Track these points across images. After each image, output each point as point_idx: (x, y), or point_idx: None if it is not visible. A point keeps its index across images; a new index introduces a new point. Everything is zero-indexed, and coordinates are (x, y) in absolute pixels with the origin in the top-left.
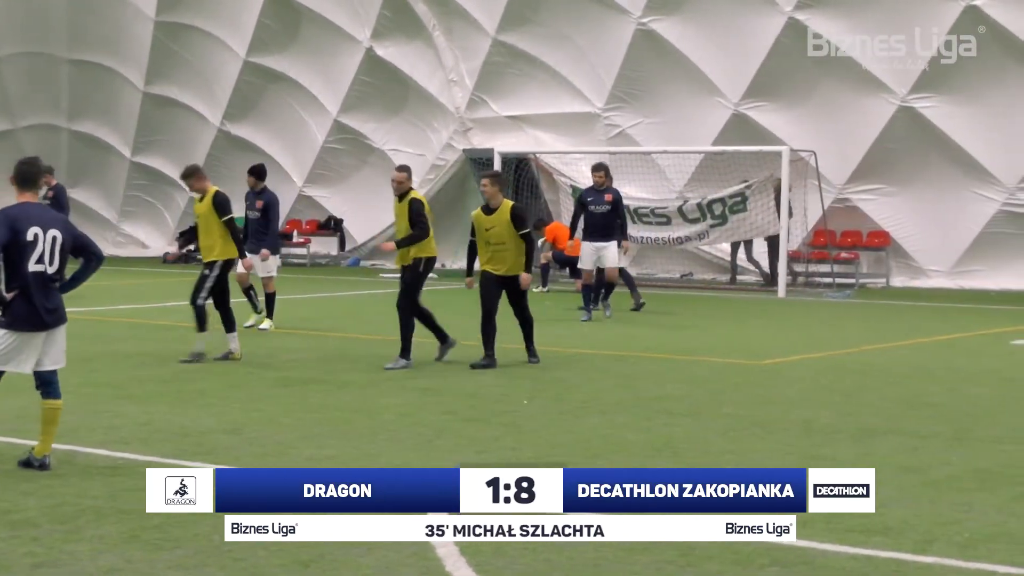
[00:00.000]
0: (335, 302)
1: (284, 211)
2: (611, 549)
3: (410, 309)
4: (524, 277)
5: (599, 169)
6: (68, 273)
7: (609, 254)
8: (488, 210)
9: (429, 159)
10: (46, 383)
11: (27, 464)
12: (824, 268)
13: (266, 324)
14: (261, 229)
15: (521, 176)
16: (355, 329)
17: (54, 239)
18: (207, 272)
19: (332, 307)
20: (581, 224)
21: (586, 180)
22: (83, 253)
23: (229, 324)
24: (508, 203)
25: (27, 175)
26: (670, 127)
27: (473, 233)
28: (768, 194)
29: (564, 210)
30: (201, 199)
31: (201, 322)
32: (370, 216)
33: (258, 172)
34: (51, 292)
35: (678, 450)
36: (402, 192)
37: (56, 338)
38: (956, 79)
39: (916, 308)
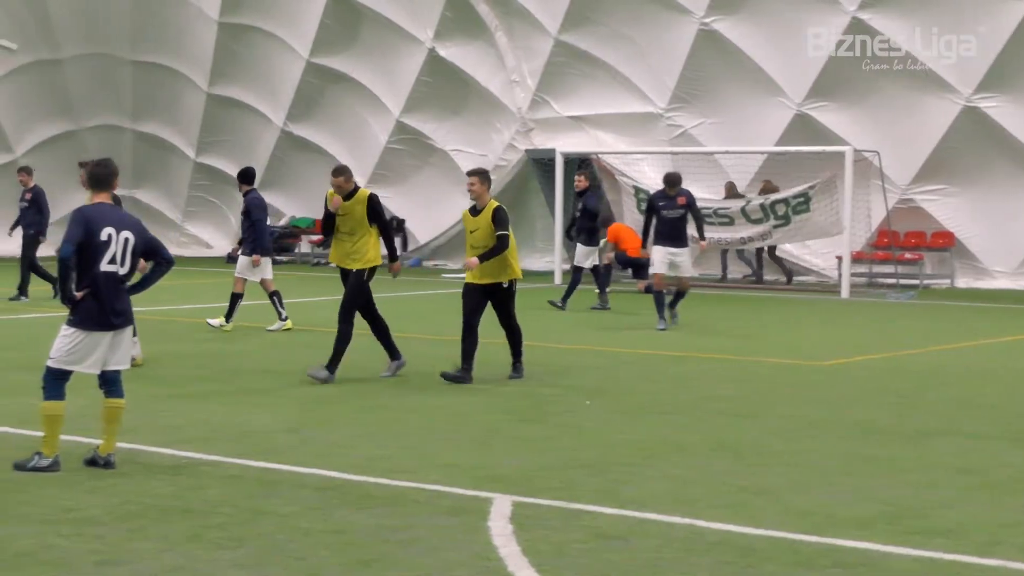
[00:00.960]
0: (396, 303)
1: None
2: (671, 549)
3: (380, 317)
4: (470, 260)
5: (677, 183)
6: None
7: (684, 261)
8: (475, 211)
9: (491, 159)
10: (109, 382)
11: (92, 463)
12: (888, 269)
13: (216, 320)
14: (244, 232)
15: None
16: (413, 329)
17: (127, 240)
18: None
19: (393, 307)
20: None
21: (648, 180)
22: (154, 256)
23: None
24: (493, 203)
25: (100, 177)
26: (732, 127)
27: None
28: (832, 195)
29: (626, 210)
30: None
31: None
32: (432, 216)
33: (240, 176)
34: (121, 293)
35: (736, 451)
36: (346, 192)
37: (122, 339)
38: (1021, 79)
39: (980, 309)
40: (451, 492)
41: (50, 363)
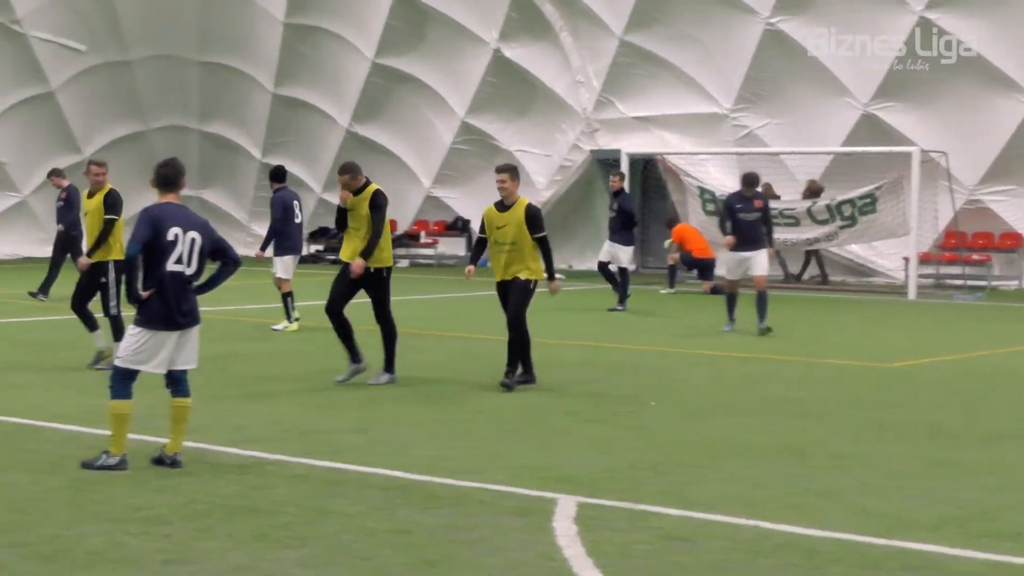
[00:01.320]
0: (461, 303)
1: (411, 212)
2: (737, 551)
3: (391, 322)
4: (554, 284)
5: (755, 183)
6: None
7: (759, 261)
8: (502, 207)
9: (556, 160)
10: (176, 381)
11: (159, 462)
12: (955, 270)
13: (280, 325)
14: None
15: (648, 177)
16: (479, 330)
17: (193, 241)
18: (104, 279)
19: (458, 308)
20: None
21: (714, 181)
22: (221, 257)
23: (90, 324)
24: (524, 201)
25: (168, 177)
26: (798, 128)
27: (483, 230)
28: (899, 196)
29: (691, 211)
30: (91, 195)
31: (117, 331)
32: None
33: (271, 174)
34: (187, 293)
35: (802, 453)
36: (356, 188)
37: (189, 339)
38: None
39: None
40: (516, 492)
41: (117, 362)
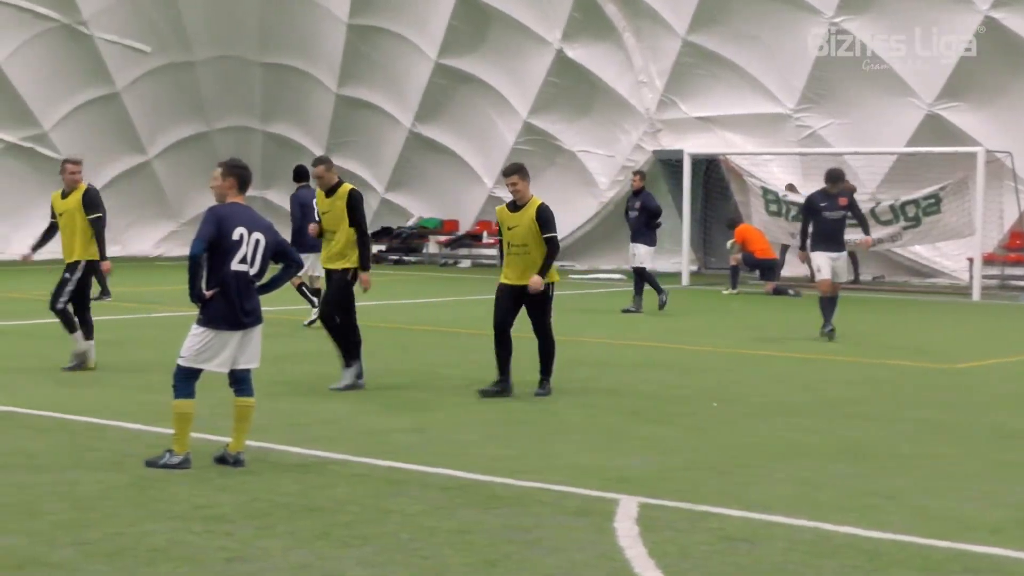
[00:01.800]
0: None
1: (473, 212)
2: (797, 552)
3: (346, 321)
4: (534, 279)
5: (840, 179)
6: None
7: (841, 266)
8: (514, 207)
9: (619, 160)
10: (239, 381)
11: (222, 460)
12: (1020, 271)
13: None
14: None
15: (711, 177)
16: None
17: (257, 242)
18: (67, 276)
19: None
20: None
21: (777, 181)
22: (283, 259)
23: (87, 331)
24: (536, 200)
25: (245, 179)
26: (862, 128)
27: (501, 232)
28: (964, 196)
29: (754, 212)
30: (66, 195)
31: (68, 324)
32: (559, 218)
33: (293, 173)
34: (251, 293)
35: (862, 453)
36: (328, 186)
37: (252, 338)
38: None
39: None
40: (577, 493)
41: (180, 362)
